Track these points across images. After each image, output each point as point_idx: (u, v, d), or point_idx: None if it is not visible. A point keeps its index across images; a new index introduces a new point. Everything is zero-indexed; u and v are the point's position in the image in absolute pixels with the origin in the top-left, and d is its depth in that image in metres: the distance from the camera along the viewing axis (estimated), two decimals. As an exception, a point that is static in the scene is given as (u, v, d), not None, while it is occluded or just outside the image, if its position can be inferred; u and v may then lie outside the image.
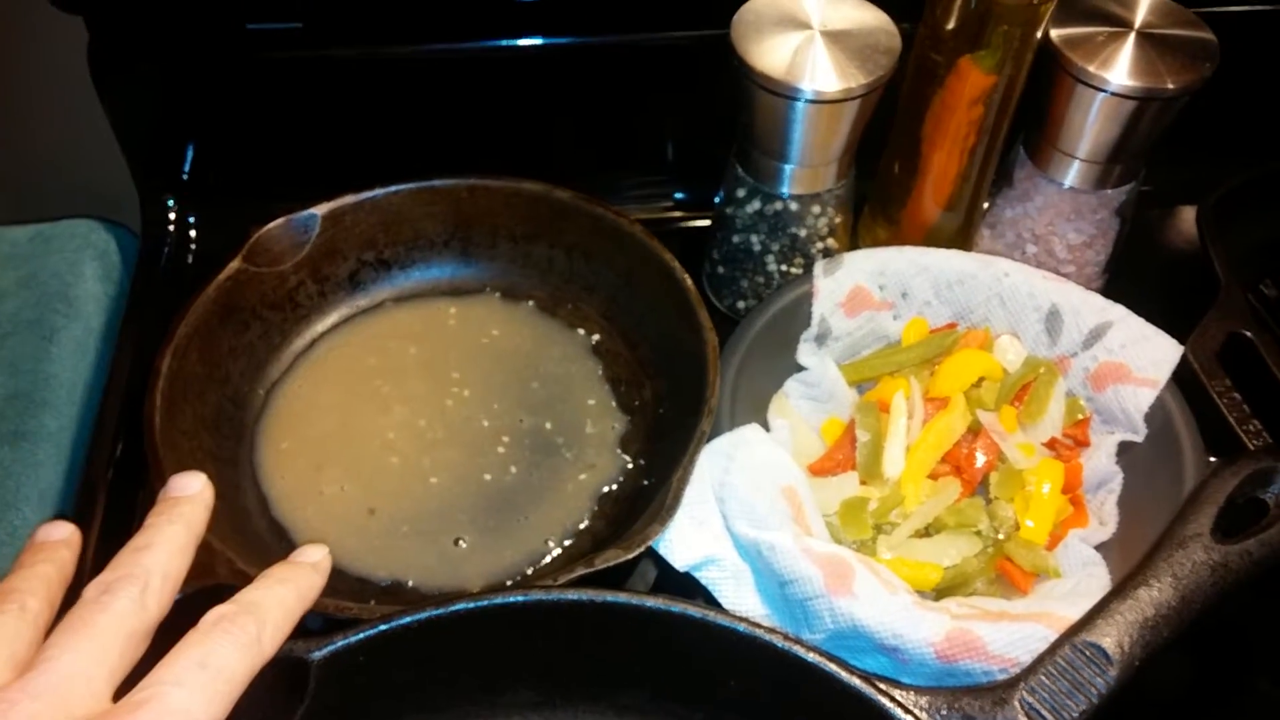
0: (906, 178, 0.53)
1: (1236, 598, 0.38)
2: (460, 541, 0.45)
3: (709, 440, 0.43)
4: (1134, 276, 0.56)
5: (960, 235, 0.55)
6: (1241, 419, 0.46)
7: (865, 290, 0.51)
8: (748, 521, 0.40)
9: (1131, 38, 0.48)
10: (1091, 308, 0.49)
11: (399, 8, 0.54)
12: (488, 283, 0.53)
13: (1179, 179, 0.58)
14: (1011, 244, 0.55)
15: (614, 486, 0.46)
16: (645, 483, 0.45)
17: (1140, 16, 0.49)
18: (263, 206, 0.50)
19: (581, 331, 0.51)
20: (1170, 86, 0.47)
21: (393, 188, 0.51)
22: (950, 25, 0.47)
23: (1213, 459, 0.44)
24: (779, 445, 0.45)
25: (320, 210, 0.50)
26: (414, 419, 0.48)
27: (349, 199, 0.50)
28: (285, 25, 0.53)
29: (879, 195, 0.56)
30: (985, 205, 0.56)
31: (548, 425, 0.48)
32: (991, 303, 0.51)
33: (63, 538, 0.31)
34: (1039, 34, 0.47)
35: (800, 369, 0.50)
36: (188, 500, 0.32)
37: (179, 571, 0.30)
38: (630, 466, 0.47)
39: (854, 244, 0.56)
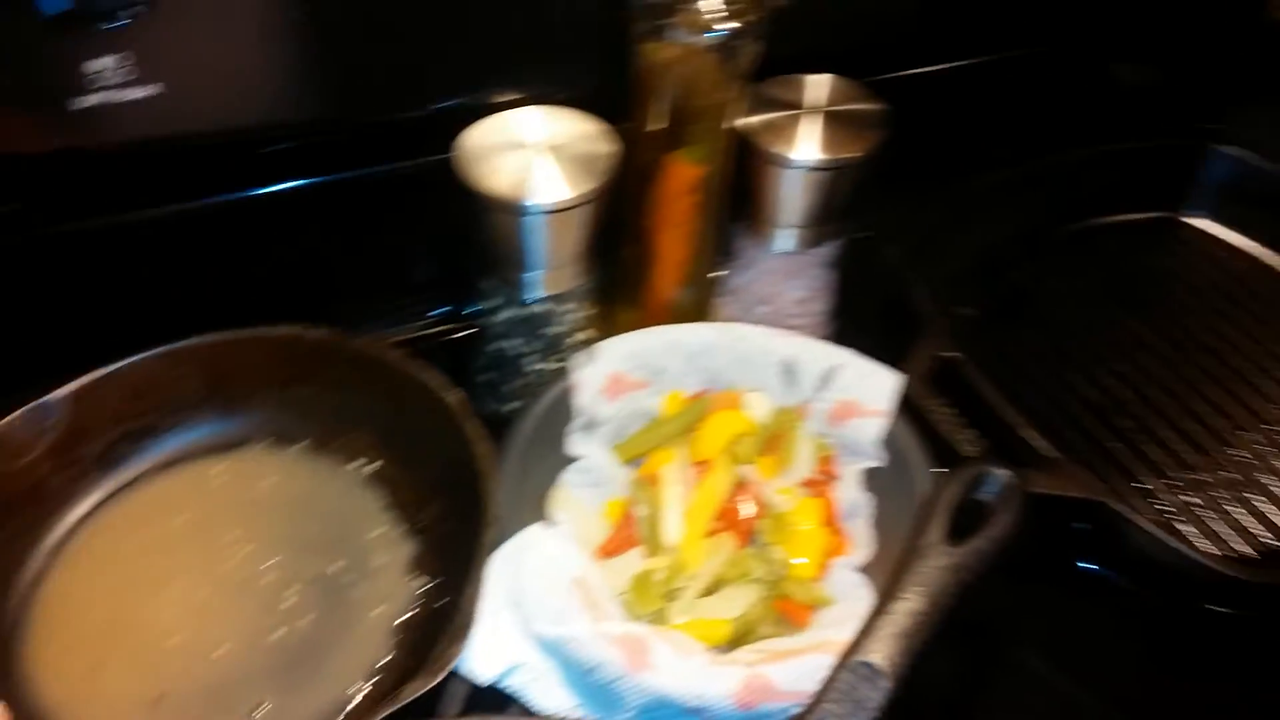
0: (643, 264, 0.58)
1: (997, 585, 0.43)
2: (260, 709, 0.44)
3: (497, 548, 0.45)
4: (858, 315, 0.62)
5: (700, 307, 0.60)
6: (956, 432, 0.52)
7: (622, 374, 0.54)
8: (545, 620, 0.42)
9: (813, 117, 0.55)
10: (821, 355, 0.55)
11: (123, 175, 0.54)
12: (254, 433, 0.53)
13: (890, 221, 0.66)
14: (745, 308, 0.61)
15: (411, 614, 0.47)
16: (441, 603, 0.46)
17: (820, 98, 0.55)
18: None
19: (357, 463, 0.52)
20: (849, 155, 0.54)
21: (136, 357, 0.50)
22: (656, 128, 0.52)
23: (940, 471, 0.50)
24: (564, 538, 0.47)
25: (59, 394, 0.48)
26: (193, 590, 0.47)
27: (90, 377, 0.49)
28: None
29: (623, 282, 0.60)
30: (720, 276, 0.61)
31: (335, 566, 0.48)
32: (735, 365, 0.56)
33: None
34: (733, 125, 0.53)
35: (574, 460, 0.53)
36: None
37: None
38: (424, 590, 0.47)
39: (609, 331, 0.60)
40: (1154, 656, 0.51)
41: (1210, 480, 0.56)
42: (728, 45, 0.48)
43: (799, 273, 0.59)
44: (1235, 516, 0.54)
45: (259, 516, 0.50)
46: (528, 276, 0.53)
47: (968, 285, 0.66)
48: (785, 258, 0.58)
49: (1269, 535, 0.53)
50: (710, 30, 0.47)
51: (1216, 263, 0.67)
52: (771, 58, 0.53)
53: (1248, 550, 0.53)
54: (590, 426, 0.53)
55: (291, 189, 0.58)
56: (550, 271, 0.53)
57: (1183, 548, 0.49)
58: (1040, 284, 0.66)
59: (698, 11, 0.47)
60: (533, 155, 0.50)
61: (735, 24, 0.47)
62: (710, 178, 0.53)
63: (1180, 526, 0.54)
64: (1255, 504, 0.55)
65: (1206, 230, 0.69)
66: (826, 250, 0.59)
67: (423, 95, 0.58)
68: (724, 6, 0.47)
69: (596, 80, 0.54)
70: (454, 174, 0.50)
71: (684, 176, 0.53)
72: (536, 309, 0.54)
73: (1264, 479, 0.56)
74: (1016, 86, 0.76)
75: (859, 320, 0.62)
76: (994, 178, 0.67)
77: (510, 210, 0.49)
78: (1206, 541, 0.53)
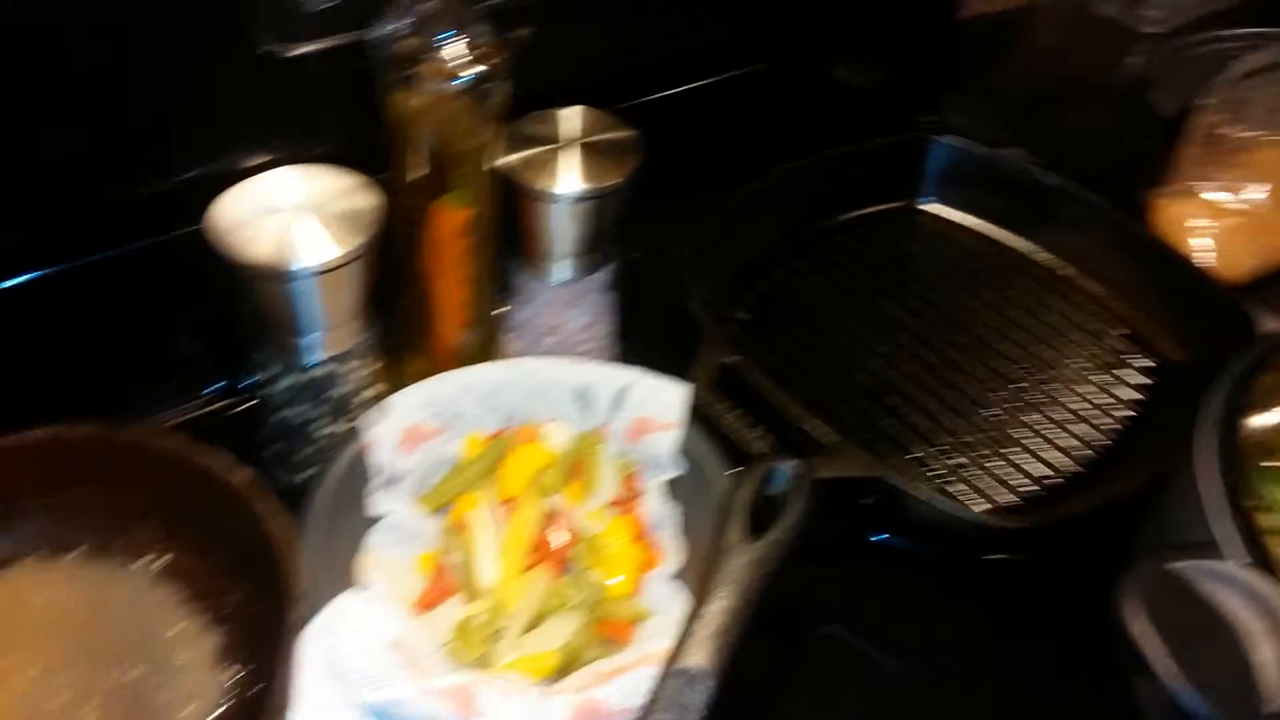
0: (425, 310, 0.58)
1: (800, 569, 0.45)
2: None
3: (308, 624, 0.43)
4: (643, 332, 0.65)
5: (488, 347, 0.60)
6: (745, 432, 0.55)
7: (418, 425, 0.54)
8: (369, 687, 0.41)
9: (570, 149, 0.56)
10: (611, 377, 0.57)
11: None
12: (22, 548, 0.48)
13: (661, 239, 0.69)
14: (533, 341, 0.61)
15: (223, 708, 0.44)
16: (255, 691, 0.44)
17: (574, 130, 0.57)
18: None
19: (144, 561, 0.49)
20: (610, 183, 0.55)
21: None
22: (417, 176, 0.52)
23: (735, 471, 0.52)
24: (379, 600, 0.46)
25: None
26: (-25, 728, 0.43)
27: None
28: None
29: (407, 331, 0.59)
30: (503, 313, 0.62)
31: (134, 673, 0.45)
32: (530, 399, 0.56)
33: None
34: (494, 166, 0.54)
35: (379, 519, 0.52)
36: None
37: None
38: (235, 681, 0.45)
39: (399, 382, 0.59)
40: (946, 611, 0.56)
41: (972, 441, 0.61)
42: (477, 89, 0.49)
43: (579, 300, 0.60)
44: (996, 471, 0.60)
45: (41, 636, 0.46)
46: (304, 341, 0.52)
47: (738, 291, 0.69)
48: (564, 288, 0.60)
49: (1027, 482, 0.59)
50: (457, 76, 0.48)
51: (951, 241, 0.74)
52: (522, 96, 0.54)
53: (1012, 499, 0.58)
54: (391, 483, 0.53)
55: (37, 279, 0.54)
56: (327, 332, 0.52)
57: (953, 509, 0.54)
58: (803, 281, 0.71)
59: (442, 60, 0.48)
60: (292, 217, 0.49)
61: (481, 68, 0.48)
62: (478, 220, 0.54)
63: (951, 489, 0.59)
64: (1011, 457, 0.61)
65: (938, 214, 0.76)
66: (603, 275, 0.61)
67: (163, 168, 0.55)
68: (468, 52, 0.48)
69: (349, 134, 0.53)
70: (210, 245, 0.48)
71: (452, 221, 0.53)
72: (318, 373, 0.53)
73: (1015, 433, 0.62)
74: (758, 100, 0.81)
75: (644, 337, 0.64)
76: (750, 187, 0.71)
77: (276, 277, 0.48)
78: (977, 497, 0.58)
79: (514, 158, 0.55)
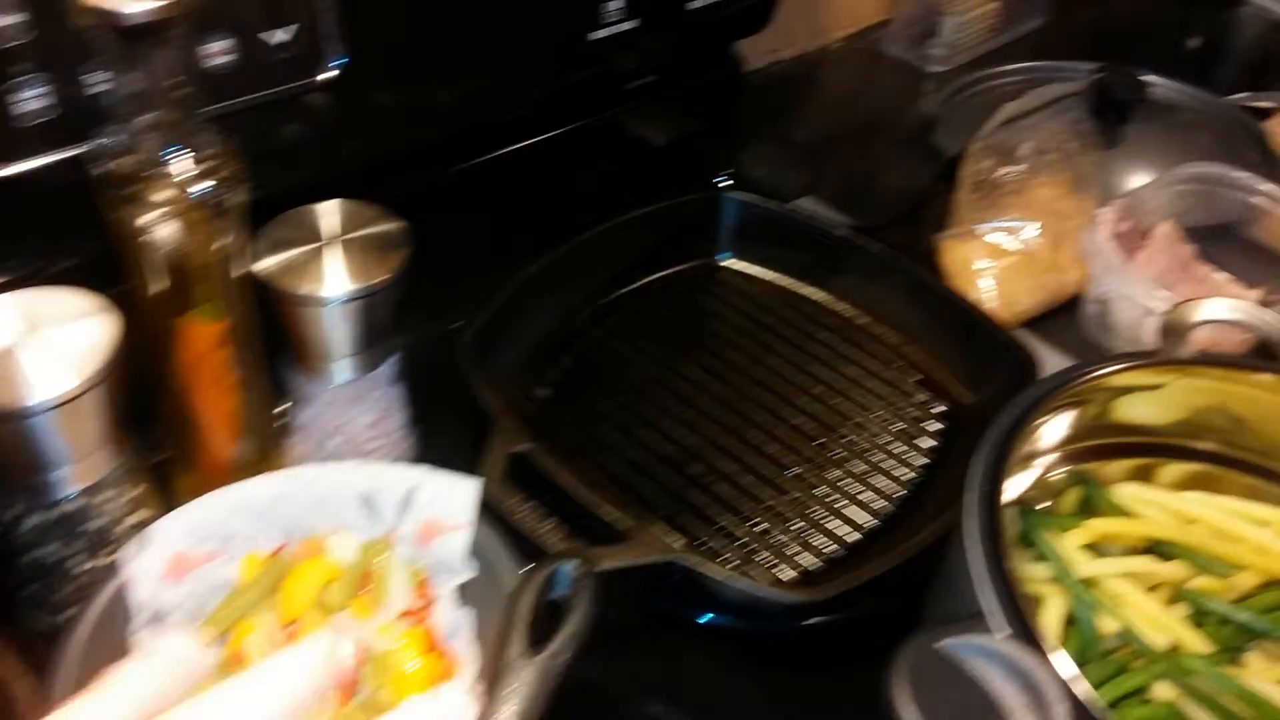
0: (191, 427, 0.54)
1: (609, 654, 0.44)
2: None
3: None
4: (437, 421, 0.63)
5: (267, 455, 0.58)
6: (537, 526, 0.54)
7: (185, 551, 0.51)
8: None
9: (333, 248, 0.54)
10: (397, 479, 0.54)
11: None
12: None
13: (454, 320, 0.67)
14: (317, 444, 0.59)
15: None
16: None
17: (335, 226, 0.55)
18: None
19: None
20: (378, 280, 0.54)
21: None
22: (158, 290, 0.49)
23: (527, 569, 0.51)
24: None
25: None
26: None
27: None
28: None
29: (174, 447, 0.56)
30: (283, 414, 0.59)
31: None
32: (312, 510, 0.54)
33: None
34: (245, 273, 0.51)
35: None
36: None
37: None
38: None
39: (168, 504, 0.56)
40: (764, 681, 0.56)
41: (775, 505, 0.61)
42: (210, 201, 0.46)
43: (363, 398, 0.58)
44: (801, 534, 0.60)
45: None
46: (48, 477, 0.48)
47: (538, 368, 0.68)
48: (346, 387, 0.57)
49: (829, 543, 0.60)
50: (185, 191, 0.45)
51: (750, 298, 0.74)
52: (275, 193, 0.52)
53: (816, 562, 0.59)
54: (157, 619, 0.49)
55: None
56: (73, 465, 0.48)
57: (749, 586, 0.54)
58: (604, 350, 0.70)
59: (168, 175, 0.45)
60: (16, 348, 0.46)
61: (210, 183, 0.46)
62: (234, 330, 0.51)
63: (757, 557, 0.59)
64: (815, 517, 0.61)
65: (737, 269, 0.76)
66: (387, 369, 0.59)
67: None
68: (196, 166, 0.45)
69: (92, 246, 0.50)
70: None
71: (203, 335, 0.50)
72: (68, 507, 0.49)
73: (818, 492, 0.62)
74: (562, 165, 0.80)
75: (439, 427, 0.63)
76: (540, 262, 0.70)
77: (8, 417, 0.45)
78: (782, 564, 0.59)
79: (271, 262, 0.53)
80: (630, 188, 0.81)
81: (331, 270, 0.53)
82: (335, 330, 0.55)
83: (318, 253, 0.54)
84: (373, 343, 0.57)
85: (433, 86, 0.62)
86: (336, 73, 0.55)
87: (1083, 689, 0.40)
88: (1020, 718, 0.40)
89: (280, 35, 0.53)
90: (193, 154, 0.45)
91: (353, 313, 0.54)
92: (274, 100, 0.55)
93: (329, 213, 0.55)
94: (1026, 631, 0.41)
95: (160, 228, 0.45)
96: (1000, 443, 0.49)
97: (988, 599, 0.43)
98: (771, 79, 0.95)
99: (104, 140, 0.45)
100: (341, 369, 0.57)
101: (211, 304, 0.49)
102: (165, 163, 0.45)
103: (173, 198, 0.45)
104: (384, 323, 0.56)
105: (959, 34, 0.97)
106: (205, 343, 0.51)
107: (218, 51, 0.52)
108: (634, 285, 0.74)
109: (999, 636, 0.42)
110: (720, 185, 0.82)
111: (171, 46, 0.41)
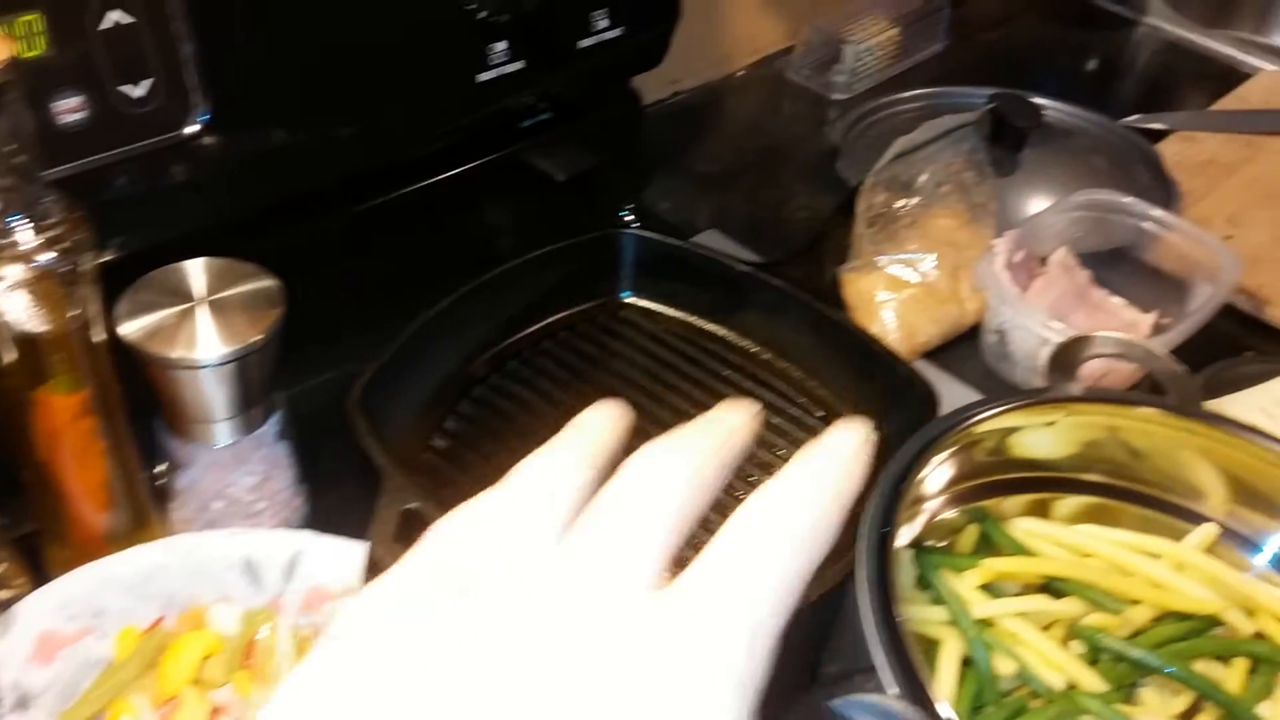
0: (57, 499, 0.52)
1: None
2: None
3: None
4: (334, 476, 0.61)
5: (143, 524, 0.55)
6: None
7: (53, 630, 0.48)
8: None
9: (202, 309, 0.52)
10: (281, 544, 0.53)
11: None
12: None
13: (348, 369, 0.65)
14: (199, 510, 0.57)
15: None
16: None
17: (202, 287, 0.53)
18: None
19: None
20: (252, 340, 0.52)
21: None
22: (7, 363, 0.46)
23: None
24: None
25: None
26: None
27: None
28: None
29: (44, 522, 0.53)
30: (161, 483, 0.56)
31: None
32: (191, 580, 0.52)
33: None
34: (106, 339, 0.49)
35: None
36: None
37: None
38: None
39: (37, 581, 0.53)
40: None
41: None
42: (59, 270, 0.44)
43: (246, 459, 0.56)
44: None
45: None
46: (-106, 564, 0.45)
47: (437, 416, 0.67)
48: (225, 449, 0.55)
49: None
50: (30, 262, 0.43)
51: (653, 335, 0.74)
52: (143, 250, 0.50)
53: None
54: (24, 704, 0.47)
55: None
56: (-76, 550, 0.46)
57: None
58: (506, 395, 0.69)
59: (13, 245, 0.43)
60: None
61: (56, 251, 0.43)
62: (95, 399, 0.49)
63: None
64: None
65: (639, 306, 0.75)
66: (271, 427, 0.57)
67: None
68: (39, 235, 0.43)
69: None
70: None
71: (62, 407, 0.48)
72: (-80, 594, 0.47)
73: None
74: (461, 205, 0.79)
75: (330, 483, 0.61)
76: (444, 303, 0.68)
77: None
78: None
79: (138, 326, 0.50)
80: (533, 224, 0.80)
81: (203, 332, 0.51)
82: (211, 394, 0.53)
83: (188, 314, 0.52)
84: (252, 403, 0.55)
85: (308, 134, 0.60)
86: (200, 126, 0.53)
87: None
88: (908, 778, 0.39)
89: (138, 90, 0.51)
90: (34, 223, 0.42)
91: (228, 375, 0.52)
92: (138, 156, 0.52)
93: (197, 272, 0.53)
94: (916, 691, 0.41)
95: (4, 300, 0.43)
96: (891, 488, 0.49)
97: (879, 654, 0.43)
98: (674, 110, 0.95)
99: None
100: (221, 431, 0.55)
101: (68, 375, 0.47)
102: (8, 232, 0.42)
103: (17, 269, 0.43)
104: (262, 382, 0.54)
105: (860, 61, 0.98)
106: (65, 414, 0.48)
107: (69, 109, 0.49)
108: (535, 327, 0.73)
109: (890, 694, 0.41)
110: (624, 220, 0.81)
111: (5, 112, 0.38)
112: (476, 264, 0.71)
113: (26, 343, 0.45)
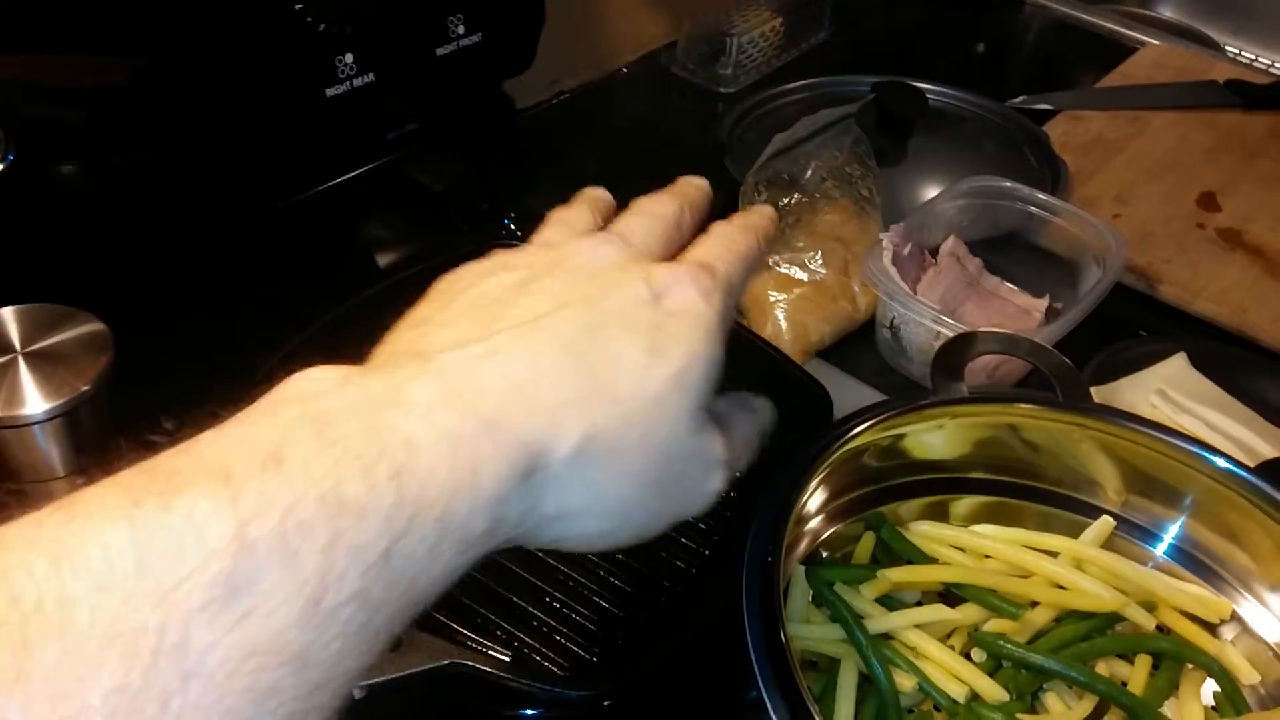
0: None
1: None
2: None
3: None
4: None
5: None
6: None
7: None
8: None
9: (20, 360, 0.47)
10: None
11: None
12: None
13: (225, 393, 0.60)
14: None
15: None
16: None
17: (15, 337, 0.48)
18: None
19: None
20: (81, 390, 0.47)
21: None
22: None
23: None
24: None
25: None
26: None
27: None
28: None
29: None
30: None
31: None
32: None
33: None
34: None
35: None
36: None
37: None
38: None
39: None
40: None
41: (554, 595, 0.57)
42: None
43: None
44: (585, 621, 0.56)
45: None
46: None
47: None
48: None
49: (610, 629, 0.56)
50: None
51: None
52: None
53: (602, 648, 0.55)
54: None
55: None
56: None
57: (525, 683, 0.50)
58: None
59: None
60: None
61: None
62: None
63: (538, 654, 0.54)
64: (598, 600, 0.57)
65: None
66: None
67: None
68: None
69: None
70: None
71: None
72: None
73: (601, 572, 0.58)
74: (337, 219, 0.75)
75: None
76: (317, 325, 0.64)
77: None
78: (561, 658, 0.54)
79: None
80: (417, 235, 0.77)
81: (23, 388, 0.47)
82: (38, 450, 0.48)
83: (8, 366, 0.47)
84: (88, 457, 0.50)
85: (137, 158, 0.55)
86: (3, 166, 0.48)
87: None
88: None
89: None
90: None
91: (56, 430, 0.48)
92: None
93: (9, 320, 0.48)
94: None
95: None
96: (776, 511, 0.47)
97: (769, 691, 0.40)
98: (556, 111, 0.91)
99: None
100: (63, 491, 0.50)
101: None
102: None
103: None
104: (97, 433, 0.50)
105: (744, 53, 0.95)
106: None
107: None
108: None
109: (774, 734, 0.39)
110: (507, 228, 0.77)
111: None
112: (359, 279, 0.67)
113: None
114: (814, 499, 0.52)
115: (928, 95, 0.86)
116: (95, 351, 0.48)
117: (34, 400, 0.46)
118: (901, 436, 0.54)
